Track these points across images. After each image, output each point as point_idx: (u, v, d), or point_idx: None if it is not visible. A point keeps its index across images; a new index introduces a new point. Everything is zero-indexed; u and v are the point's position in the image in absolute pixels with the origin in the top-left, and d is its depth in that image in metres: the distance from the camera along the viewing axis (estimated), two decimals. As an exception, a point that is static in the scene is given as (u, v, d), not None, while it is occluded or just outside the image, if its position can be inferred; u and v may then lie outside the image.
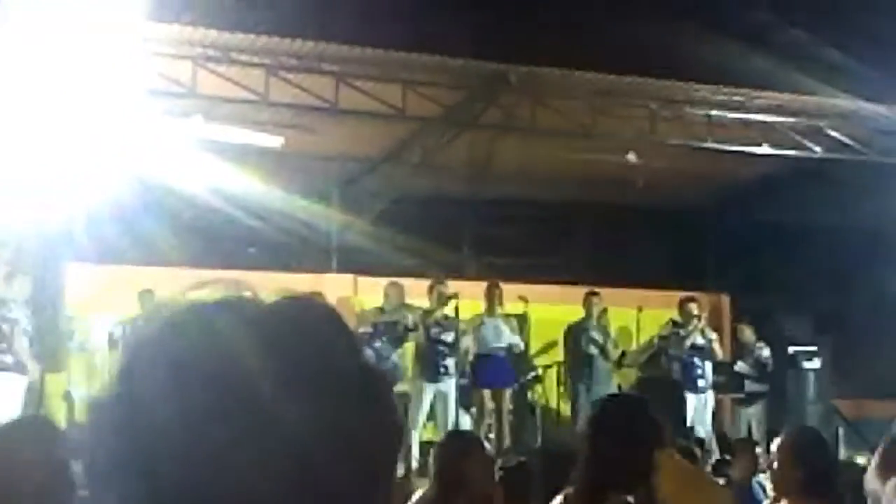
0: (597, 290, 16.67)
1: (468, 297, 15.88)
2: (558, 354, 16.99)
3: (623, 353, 17.16)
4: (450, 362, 15.10)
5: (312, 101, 14.69)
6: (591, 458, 4.58)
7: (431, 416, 15.08)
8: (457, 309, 15.16)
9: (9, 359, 13.89)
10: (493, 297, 15.59)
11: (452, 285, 15.59)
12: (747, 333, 17.20)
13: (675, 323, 16.59)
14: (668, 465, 5.30)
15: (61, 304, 15.52)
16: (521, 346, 15.93)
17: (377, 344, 14.83)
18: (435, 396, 14.94)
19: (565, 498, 4.66)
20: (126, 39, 12.91)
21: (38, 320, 14.24)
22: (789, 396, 17.15)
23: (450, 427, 14.66)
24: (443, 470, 6.44)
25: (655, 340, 16.81)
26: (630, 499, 4.42)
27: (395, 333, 15.11)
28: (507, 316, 15.87)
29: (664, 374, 16.21)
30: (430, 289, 15.18)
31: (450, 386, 15.05)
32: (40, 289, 14.54)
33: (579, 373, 16.26)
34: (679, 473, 5.31)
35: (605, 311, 16.84)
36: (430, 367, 14.96)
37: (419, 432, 14.64)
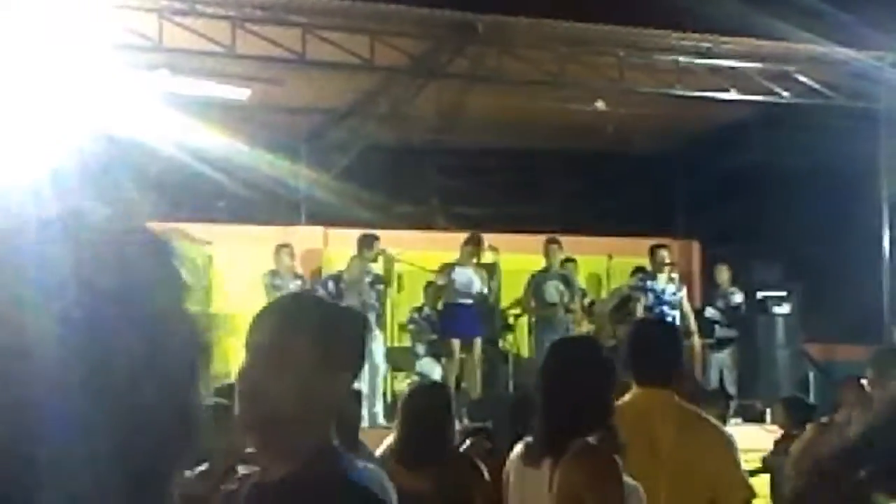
0: (557, 237, 16.67)
1: (439, 249, 15.88)
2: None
3: (592, 302, 17.20)
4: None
5: (279, 52, 14.59)
6: (546, 406, 4.55)
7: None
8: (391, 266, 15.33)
9: None
10: (474, 249, 15.65)
11: (421, 237, 15.61)
12: (724, 275, 17.23)
13: (643, 270, 16.61)
14: (669, 407, 5.31)
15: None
16: (490, 295, 16.02)
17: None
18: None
19: (526, 446, 4.64)
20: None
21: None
22: (759, 341, 17.20)
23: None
24: (420, 422, 6.44)
25: (626, 290, 16.84)
26: (591, 440, 4.40)
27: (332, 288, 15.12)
28: (478, 265, 15.90)
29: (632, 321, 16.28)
30: (369, 244, 15.22)
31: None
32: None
33: (542, 322, 16.30)
34: (679, 416, 5.32)
35: (569, 259, 16.86)
36: (377, 317, 15.13)
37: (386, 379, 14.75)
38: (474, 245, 15.69)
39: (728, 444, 5.33)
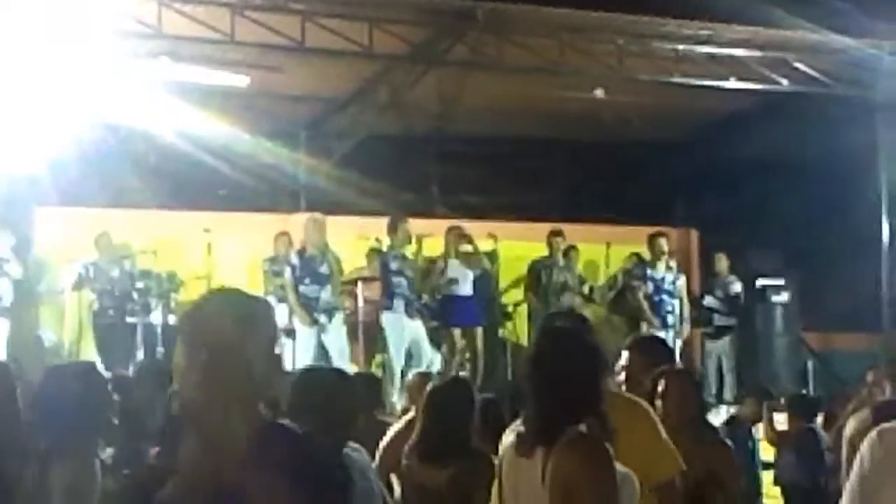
0: (561, 228, 16.68)
1: (439, 237, 15.88)
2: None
3: (591, 289, 17.21)
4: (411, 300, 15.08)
5: (279, 40, 14.59)
6: (536, 394, 4.54)
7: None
8: (419, 248, 15.10)
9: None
10: (453, 239, 15.60)
11: (421, 224, 15.55)
12: (723, 263, 17.22)
13: (640, 258, 16.61)
14: None
15: (29, 247, 15.46)
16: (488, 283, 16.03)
17: (302, 287, 14.62)
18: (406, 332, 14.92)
19: (517, 436, 4.64)
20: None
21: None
22: (757, 330, 17.23)
23: (422, 363, 14.67)
24: (442, 419, 6.49)
25: (620, 276, 16.87)
26: (582, 428, 4.40)
27: (316, 273, 14.92)
28: (468, 254, 15.85)
29: (634, 310, 16.27)
30: (393, 227, 14.97)
31: (422, 326, 15.08)
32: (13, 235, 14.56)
33: (542, 310, 16.32)
34: None
35: (572, 248, 16.88)
36: (408, 304, 14.93)
37: (400, 367, 14.54)
38: (457, 234, 15.68)
39: (651, 419, 5.37)
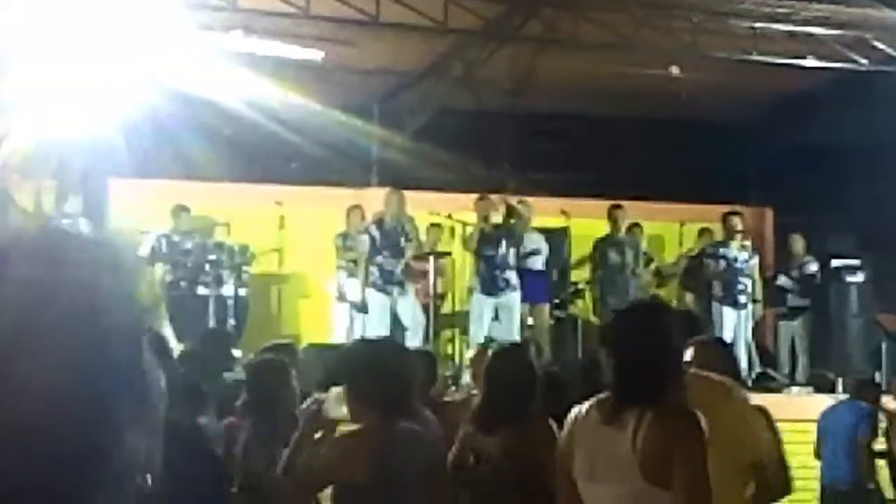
0: (621, 203, 16.52)
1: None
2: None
3: (658, 269, 17.15)
4: (510, 275, 15.02)
5: (353, 14, 14.60)
6: (628, 365, 4.57)
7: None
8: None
9: None
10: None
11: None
12: (799, 244, 17.06)
13: (708, 231, 16.59)
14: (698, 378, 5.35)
15: (105, 219, 15.57)
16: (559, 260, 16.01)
17: (379, 258, 14.72)
18: (497, 310, 14.94)
19: (600, 403, 4.64)
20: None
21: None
22: (832, 310, 17.04)
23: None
24: (499, 386, 6.49)
25: (684, 259, 16.88)
26: (669, 398, 4.46)
27: (395, 245, 14.97)
28: (539, 231, 15.86)
29: (703, 287, 16.18)
30: (478, 205, 15.11)
31: (512, 299, 15.03)
32: (84, 205, 14.63)
33: (609, 287, 16.24)
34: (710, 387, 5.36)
35: (636, 225, 16.77)
36: (487, 282, 14.94)
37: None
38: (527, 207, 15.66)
39: (741, 398, 5.37)
